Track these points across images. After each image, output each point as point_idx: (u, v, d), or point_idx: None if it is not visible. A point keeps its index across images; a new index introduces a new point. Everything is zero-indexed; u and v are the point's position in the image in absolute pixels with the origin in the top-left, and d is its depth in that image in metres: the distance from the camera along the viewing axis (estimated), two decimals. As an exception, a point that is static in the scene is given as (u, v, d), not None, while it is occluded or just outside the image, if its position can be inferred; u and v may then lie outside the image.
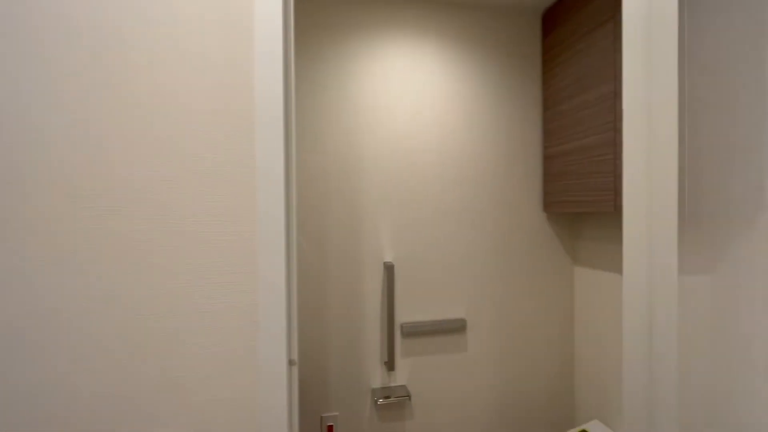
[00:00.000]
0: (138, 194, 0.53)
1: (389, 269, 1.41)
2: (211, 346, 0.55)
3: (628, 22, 0.67)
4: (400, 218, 1.46)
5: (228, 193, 0.55)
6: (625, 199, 0.68)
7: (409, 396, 1.42)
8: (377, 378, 1.47)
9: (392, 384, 1.48)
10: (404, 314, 1.47)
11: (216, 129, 0.55)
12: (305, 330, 1.41)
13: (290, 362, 0.54)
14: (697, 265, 0.58)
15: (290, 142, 0.56)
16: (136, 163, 0.53)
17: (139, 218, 0.53)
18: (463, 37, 1.51)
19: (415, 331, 1.46)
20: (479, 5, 1.50)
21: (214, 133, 0.55)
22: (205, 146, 0.55)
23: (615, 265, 1.38)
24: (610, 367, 1.41)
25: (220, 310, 0.55)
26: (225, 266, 0.55)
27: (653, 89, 0.62)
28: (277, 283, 0.53)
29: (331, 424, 1.43)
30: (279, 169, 0.55)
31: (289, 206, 0.56)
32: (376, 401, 1.41)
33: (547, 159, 1.51)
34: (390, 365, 1.42)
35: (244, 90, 0.55)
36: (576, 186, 1.34)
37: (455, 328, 1.49)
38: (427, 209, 1.48)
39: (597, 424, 1.37)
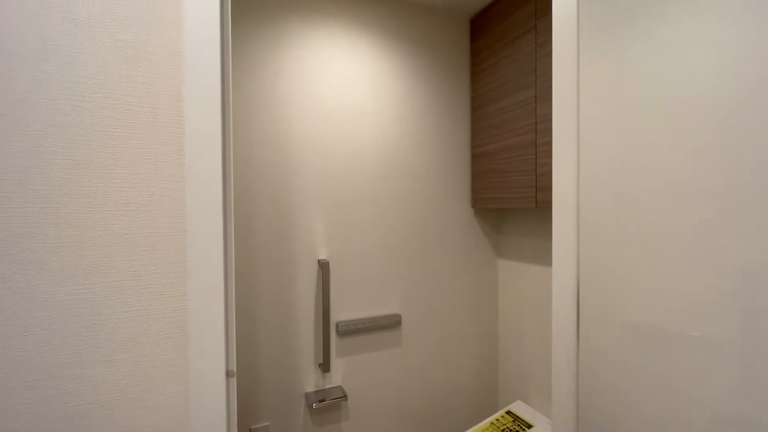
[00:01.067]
0: (34, 175, 0.42)
1: (324, 267, 1.35)
2: (128, 362, 0.45)
3: (558, 21, 0.72)
4: (334, 215, 1.42)
5: (146, 173, 0.46)
6: (555, 192, 0.73)
7: (345, 396, 1.39)
8: (311, 381, 1.40)
9: (327, 386, 1.43)
10: (339, 313, 1.43)
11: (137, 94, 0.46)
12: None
13: (228, 374, 0.47)
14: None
15: (227, 108, 0.49)
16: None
17: (28, 200, 0.42)
18: (397, 33, 1.51)
19: (350, 329, 1.43)
20: (413, 3, 1.52)
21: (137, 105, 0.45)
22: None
23: (535, 257, 1.51)
24: (528, 350, 1.54)
25: (136, 317, 0.46)
26: (147, 267, 0.46)
27: (581, 89, 0.68)
28: (212, 284, 0.46)
29: (261, 435, 1.33)
30: (214, 134, 0.47)
31: (227, 199, 0.49)
32: (310, 406, 1.35)
33: (475, 157, 1.59)
34: (325, 367, 1.37)
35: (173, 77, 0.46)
36: (501, 183, 1.43)
37: (391, 323, 1.50)
38: (361, 206, 1.45)
39: (520, 404, 1.49)
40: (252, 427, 1.32)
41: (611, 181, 0.62)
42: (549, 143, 1.19)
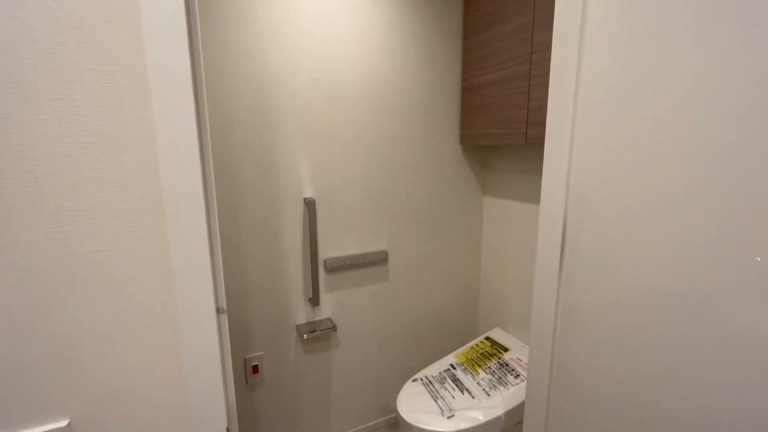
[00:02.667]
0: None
1: (310, 205, 1.34)
2: (112, 302, 0.44)
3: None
4: (319, 153, 1.37)
5: (106, 101, 0.42)
6: (548, 125, 0.71)
7: (334, 327, 1.46)
8: (301, 314, 1.46)
9: (317, 318, 1.49)
10: (327, 250, 1.45)
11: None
12: (224, 272, 1.30)
13: (218, 310, 0.47)
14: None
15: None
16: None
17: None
18: (384, -56, 1.34)
19: (338, 266, 1.46)
20: None
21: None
22: None
23: (521, 194, 1.52)
24: (509, 283, 1.61)
25: (115, 257, 0.44)
26: (120, 205, 0.43)
27: (587, 15, 0.62)
28: (193, 222, 0.43)
29: (256, 363, 1.41)
30: (181, 54, 0.42)
31: (202, 129, 0.44)
32: (301, 336, 1.42)
33: (465, 91, 1.52)
34: (315, 301, 1.42)
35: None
36: (491, 119, 1.38)
37: (378, 260, 1.53)
38: (346, 143, 1.40)
39: (498, 331, 1.60)
40: (247, 357, 1.39)
41: (610, 114, 0.59)
42: (544, 75, 1.13)
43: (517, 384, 1.25)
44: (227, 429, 0.52)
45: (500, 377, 1.30)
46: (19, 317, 0.41)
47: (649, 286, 0.56)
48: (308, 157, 1.35)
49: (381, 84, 1.41)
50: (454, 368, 1.37)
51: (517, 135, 1.25)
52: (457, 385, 1.28)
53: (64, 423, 0.45)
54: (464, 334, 1.84)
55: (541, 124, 1.14)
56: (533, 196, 1.45)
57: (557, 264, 0.72)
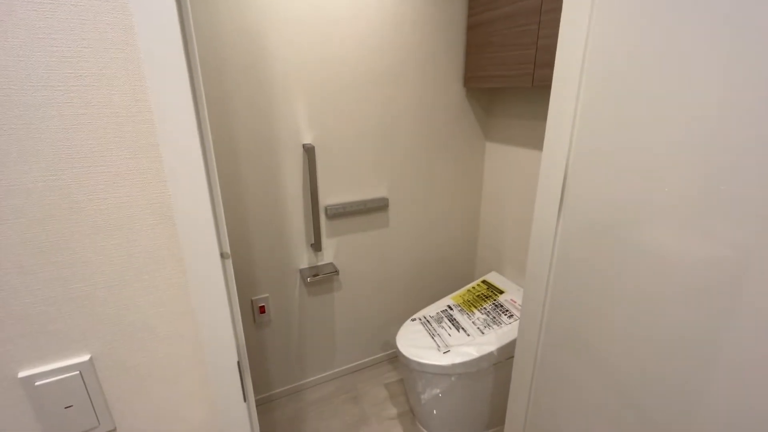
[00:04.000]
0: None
1: (309, 152, 1.32)
2: (119, 247, 0.45)
3: None
4: (317, 97, 1.31)
5: (90, 39, 0.39)
6: (557, 64, 0.67)
7: (336, 271, 1.51)
8: (304, 259, 1.50)
9: (320, 263, 1.53)
10: (328, 197, 1.45)
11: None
12: (226, 219, 1.32)
13: (223, 255, 0.48)
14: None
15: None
16: None
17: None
18: None
19: (339, 213, 1.47)
20: None
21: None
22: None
23: (524, 140, 1.48)
24: (507, 229, 1.64)
25: (117, 204, 0.44)
26: (115, 152, 0.42)
27: (607, -65, 0.56)
28: (191, 168, 0.43)
29: (262, 305, 1.48)
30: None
31: (193, 69, 0.42)
32: (305, 280, 1.47)
33: (471, 29, 1.43)
34: (317, 246, 1.45)
35: None
36: (497, 59, 1.31)
37: (378, 206, 1.54)
38: (345, 86, 1.34)
39: (494, 275, 1.65)
40: (253, 298, 1.46)
41: (623, 58, 0.56)
42: (556, 10, 1.05)
43: (510, 323, 1.32)
44: (238, 363, 0.55)
45: (494, 317, 1.37)
46: (32, 261, 0.42)
47: (641, 242, 0.57)
48: (306, 102, 1.30)
49: (380, 22, 1.32)
50: (451, 309, 1.44)
51: (524, 77, 1.19)
52: (453, 324, 1.35)
53: (86, 357, 0.48)
54: (462, 278, 1.91)
55: (550, 65, 1.09)
56: (536, 142, 1.42)
57: (556, 210, 0.73)
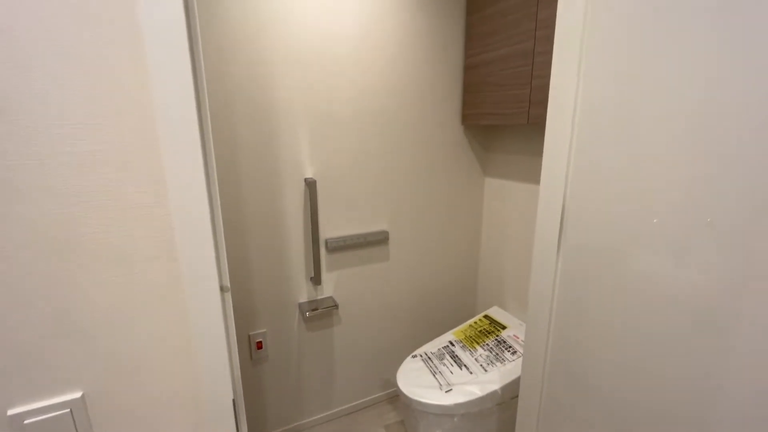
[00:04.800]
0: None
1: (311, 185, 1.34)
2: (120, 281, 0.45)
3: None
4: (319, 132, 1.36)
5: (107, 83, 0.41)
6: (550, 106, 0.70)
7: (336, 306, 1.49)
8: (303, 293, 1.49)
9: (319, 297, 1.52)
10: (328, 230, 1.46)
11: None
12: (227, 252, 1.32)
13: (222, 289, 0.48)
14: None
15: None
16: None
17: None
18: None
19: (339, 246, 1.47)
20: None
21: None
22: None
23: (522, 175, 1.51)
24: (508, 263, 1.63)
25: (120, 237, 0.45)
26: (123, 186, 0.44)
27: (591, -11, 0.60)
28: (196, 203, 0.44)
29: (260, 340, 1.44)
30: (179, 33, 0.42)
31: (202, 108, 0.44)
32: (303, 314, 1.45)
33: (468, 69, 1.49)
34: (316, 280, 1.44)
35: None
36: (493, 98, 1.36)
37: (379, 240, 1.54)
38: (347, 122, 1.39)
39: (496, 309, 1.63)
40: (251, 333, 1.43)
41: (614, 96, 0.59)
42: (548, 52, 1.11)
43: (513, 360, 1.29)
44: (233, 401, 0.54)
45: (497, 354, 1.33)
46: (33, 294, 0.42)
47: (647, 275, 0.57)
48: (309, 137, 1.34)
49: (382, 61, 1.38)
50: (453, 345, 1.41)
51: (519, 115, 1.24)
52: (455, 361, 1.32)
53: (77, 395, 0.47)
54: (463, 313, 1.87)
55: (544, 103, 1.13)
56: (534, 176, 1.45)
57: (555, 243, 0.73)
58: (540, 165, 1.41)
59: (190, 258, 0.45)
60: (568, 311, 0.72)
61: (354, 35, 1.32)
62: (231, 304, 0.51)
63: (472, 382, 1.21)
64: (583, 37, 0.62)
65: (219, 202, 0.49)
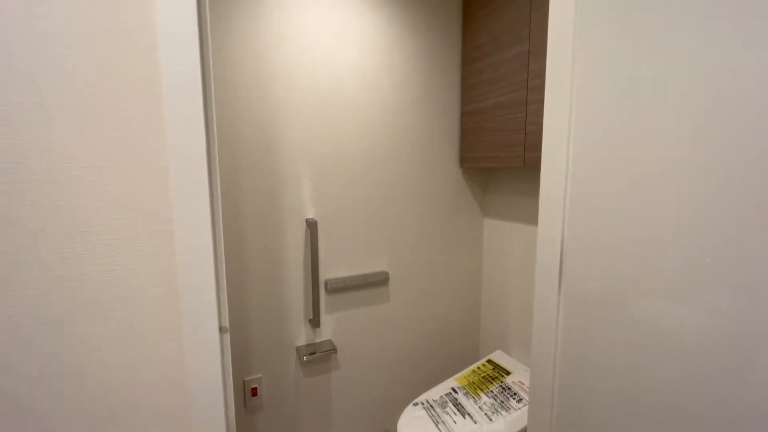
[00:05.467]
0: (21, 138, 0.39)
1: (312, 226, 1.35)
2: (120, 320, 0.45)
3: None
4: (321, 174, 1.39)
5: (123, 126, 0.44)
6: (544, 151, 0.73)
7: (335, 350, 1.44)
8: (302, 336, 1.45)
9: (317, 340, 1.48)
10: (328, 271, 1.46)
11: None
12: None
13: (221, 329, 0.48)
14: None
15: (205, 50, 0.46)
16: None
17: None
18: (386, -21, 1.41)
19: (339, 287, 1.46)
20: (402, -55, 1.41)
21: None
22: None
23: (520, 216, 1.53)
24: (510, 305, 1.61)
25: (125, 275, 0.45)
26: (132, 225, 0.45)
27: (577, 46, 0.65)
28: (201, 242, 0.45)
29: (255, 386, 1.39)
30: (194, 82, 0.45)
31: (211, 154, 0.47)
32: (301, 358, 1.40)
33: (465, 115, 1.56)
34: (315, 322, 1.41)
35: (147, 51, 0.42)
36: (490, 142, 1.42)
37: (379, 281, 1.53)
38: (349, 164, 1.43)
39: (500, 354, 1.58)
40: (246, 379, 1.38)
41: (604, 144, 0.62)
42: (539, 101, 1.17)
43: (519, 408, 1.23)
44: (227, 450, 0.52)
45: (502, 401, 1.27)
46: (29, 334, 0.42)
47: (644, 319, 0.57)
48: (311, 178, 1.38)
49: (382, 107, 1.45)
50: (456, 392, 1.35)
51: (515, 158, 1.28)
52: (458, 410, 1.26)
53: (65, 442, 0.45)
54: (466, 356, 1.81)
55: (538, 147, 1.17)
56: (532, 217, 1.47)
57: (556, 286, 0.73)
58: (538, 206, 1.43)
59: (192, 296, 0.45)
60: (573, 359, 0.71)
61: (356, 83, 1.40)
62: (229, 346, 0.50)
63: (477, 433, 1.15)
64: (572, 92, 0.66)
65: (223, 244, 0.50)
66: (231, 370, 0.51)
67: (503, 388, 1.34)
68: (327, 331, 1.49)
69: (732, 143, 0.45)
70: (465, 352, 1.81)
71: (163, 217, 0.46)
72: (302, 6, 1.29)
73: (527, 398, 1.26)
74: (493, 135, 1.39)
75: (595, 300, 0.65)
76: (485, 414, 1.23)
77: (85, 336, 0.44)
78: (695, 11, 0.49)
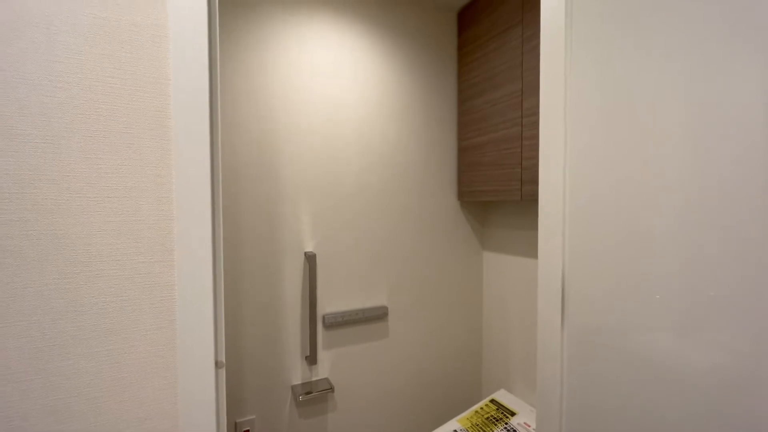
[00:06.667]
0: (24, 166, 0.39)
1: (311, 259, 1.35)
2: (113, 353, 0.44)
3: (546, 17, 0.73)
4: (321, 208, 1.41)
5: (130, 159, 0.45)
6: (541, 185, 0.75)
7: (331, 389, 1.39)
8: (298, 374, 1.40)
9: (314, 378, 1.42)
10: (326, 305, 1.43)
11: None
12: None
13: (217, 364, 0.46)
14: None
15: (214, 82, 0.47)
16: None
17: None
18: (385, 26, 1.50)
19: (337, 322, 1.43)
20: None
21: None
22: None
23: (520, 249, 1.53)
24: (513, 341, 1.57)
25: (122, 307, 0.44)
26: (131, 256, 0.45)
27: (569, 84, 0.69)
28: (201, 273, 0.45)
29: (247, 429, 1.32)
30: (202, 120, 0.46)
31: (215, 186, 0.47)
32: (296, 398, 1.35)
33: (462, 150, 1.60)
34: (312, 359, 1.37)
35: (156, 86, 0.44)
36: (487, 176, 1.44)
37: (377, 315, 1.50)
38: (348, 198, 1.45)
39: (503, 393, 1.52)
40: (238, 421, 1.31)
41: (599, 177, 0.63)
42: (534, 137, 1.21)
43: (526, 453, 1.17)
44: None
45: (508, 445, 1.21)
46: (20, 367, 0.41)
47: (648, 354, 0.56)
48: (310, 211, 1.38)
49: (381, 142, 1.49)
50: (458, 434, 1.28)
51: (513, 192, 1.30)
52: (461, 454, 1.19)
53: (45, 488, 0.42)
54: (468, 395, 1.74)
55: (535, 181, 1.19)
56: (532, 250, 1.47)
57: (559, 322, 0.72)
58: (537, 239, 1.43)
59: (189, 329, 0.44)
60: (580, 399, 0.68)
61: (356, 117, 1.44)
62: (224, 381, 0.48)
63: (482, 480, 1.08)
64: (566, 132, 0.69)
65: (222, 277, 0.49)
66: (225, 407, 0.49)
67: (508, 431, 1.28)
68: (324, 369, 1.44)
69: (728, 163, 0.47)
70: (467, 390, 1.74)
71: (164, 247, 0.45)
72: (305, 50, 1.35)
73: (534, 441, 1.20)
74: (490, 169, 1.42)
75: (602, 338, 0.64)
76: (490, 459, 1.16)
77: (75, 370, 0.43)
78: (679, 49, 0.52)
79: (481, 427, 1.32)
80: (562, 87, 0.69)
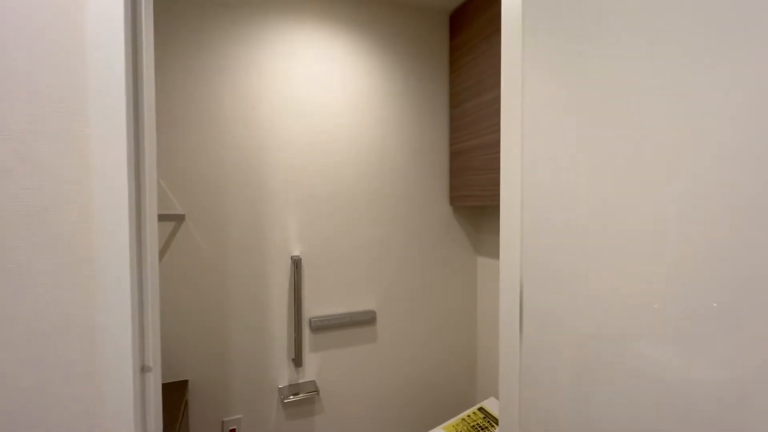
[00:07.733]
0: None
1: (296, 263, 1.36)
2: (36, 355, 0.46)
3: (506, 25, 0.71)
4: (309, 212, 1.42)
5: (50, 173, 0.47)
6: (502, 192, 0.73)
7: (317, 391, 1.40)
8: (284, 376, 1.42)
9: (300, 380, 1.44)
10: (313, 308, 1.44)
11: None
12: (205, 329, 1.30)
13: (143, 369, 0.47)
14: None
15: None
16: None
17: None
18: (376, 30, 1.50)
19: (324, 325, 1.44)
20: (390, 1, 1.51)
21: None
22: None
23: (509, 254, 1.50)
24: (505, 347, 1.53)
25: (45, 312, 0.46)
26: (55, 263, 0.47)
27: (525, 92, 0.67)
28: (118, 273, 0.46)
29: (233, 427, 1.35)
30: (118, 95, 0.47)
31: (141, 180, 0.49)
32: (282, 400, 1.36)
33: (453, 155, 1.59)
34: (298, 361, 1.38)
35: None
36: (476, 181, 1.42)
37: (365, 320, 1.50)
38: (336, 202, 1.46)
39: (493, 401, 1.49)
40: (224, 420, 1.34)
41: (551, 181, 0.62)
42: (518, 141, 1.18)
43: (507, 464, 1.14)
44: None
45: (489, 455, 1.19)
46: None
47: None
48: (298, 216, 1.40)
49: (371, 147, 1.49)
50: (441, 442, 1.27)
51: (497, 197, 1.27)
52: (441, 463, 1.18)
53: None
54: (459, 402, 1.72)
55: (518, 186, 1.17)
56: (522, 257, 1.43)
57: (518, 327, 0.70)
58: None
59: (108, 334, 0.46)
60: (536, 410, 0.67)
61: (347, 123, 1.45)
62: (155, 386, 0.50)
63: (458, 490, 1.06)
64: (523, 127, 0.67)
65: (157, 272, 0.51)
66: (160, 413, 0.50)
67: (491, 440, 1.26)
68: (311, 372, 1.45)
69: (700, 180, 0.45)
70: (459, 397, 1.72)
71: (86, 256, 0.47)
72: (293, 55, 1.37)
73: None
74: (480, 174, 1.40)
75: (554, 345, 0.62)
76: (468, 469, 1.14)
77: (3, 374, 0.45)
78: (629, 51, 0.50)
79: (463, 436, 1.29)
80: (519, 93, 0.68)
